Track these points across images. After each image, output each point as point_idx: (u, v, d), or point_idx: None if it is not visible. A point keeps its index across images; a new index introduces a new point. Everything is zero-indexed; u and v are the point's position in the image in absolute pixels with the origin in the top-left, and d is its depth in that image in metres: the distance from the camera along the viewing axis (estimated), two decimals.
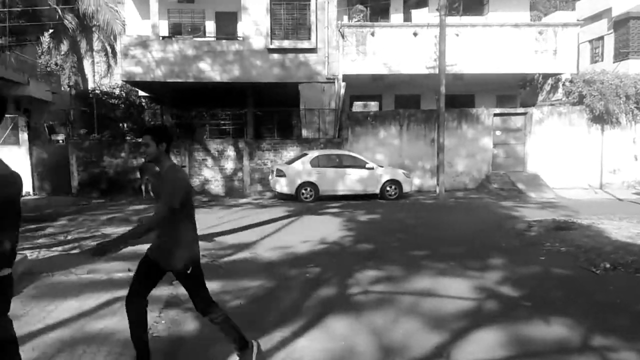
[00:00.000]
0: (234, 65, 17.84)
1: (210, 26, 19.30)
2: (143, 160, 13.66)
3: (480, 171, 18.22)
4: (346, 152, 16.13)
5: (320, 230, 9.80)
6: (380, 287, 6.01)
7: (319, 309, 5.16)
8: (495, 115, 18.28)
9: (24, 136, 16.68)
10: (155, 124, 3.70)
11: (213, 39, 18.60)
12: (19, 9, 18.63)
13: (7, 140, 16.95)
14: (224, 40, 18.18)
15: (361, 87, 19.48)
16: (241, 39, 18.14)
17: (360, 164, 15.32)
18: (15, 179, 2.58)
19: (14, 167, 8.59)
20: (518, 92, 21.90)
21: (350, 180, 15.19)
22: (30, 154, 16.66)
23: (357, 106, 18.58)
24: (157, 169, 3.70)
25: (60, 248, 8.17)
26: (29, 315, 4.82)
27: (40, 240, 8.95)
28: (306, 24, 18.11)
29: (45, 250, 7.91)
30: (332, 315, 4.96)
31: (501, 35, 18.32)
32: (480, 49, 18.15)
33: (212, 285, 5.85)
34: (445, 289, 5.86)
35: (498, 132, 18.28)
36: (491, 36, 18.30)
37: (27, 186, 16.16)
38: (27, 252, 7.17)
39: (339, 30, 17.87)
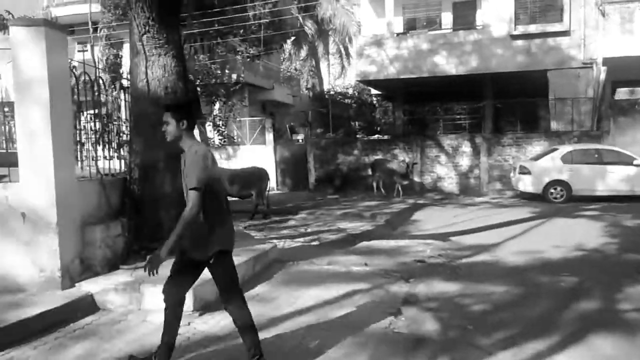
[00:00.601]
0: (471, 56, 17.47)
1: (447, 18, 19.26)
2: (375, 157, 14.18)
3: None
4: (607, 147, 14.41)
5: (575, 234, 8.89)
6: None
7: (578, 323, 4.64)
8: None
9: (269, 137, 19.12)
10: (178, 101, 3.44)
11: (449, 30, 18.53)
12: (267, 20, 21.33)
13: (256, 140, 19.64)
14: (461, 31, 17.98)
15: (627, 71, 17.10)
16: (480, 27, 17.70)
17: (627, 161, 13.51)
18: None
19: (261, 164, 9.89)
20: None
21: (613, 179, 13.49)
22: (275, 153, 18.96)
23: (621, 93, 16.41)
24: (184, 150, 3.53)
25: (302, 240, 9.06)
26: (280, 299, 5.42)
27: (284, 232, 10.09)
28: (557, 4, 16.84)
29: (289, 241, 8.85)
30: (596, 332, 4.41)
31: None
32: None
33: (450, 287, 5.81)
34: None
35: None
36: None
37: (272, 182, 18.42)
38: (275, 242, 8.10)
39: (599, 8, 15.97)
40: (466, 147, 17.03)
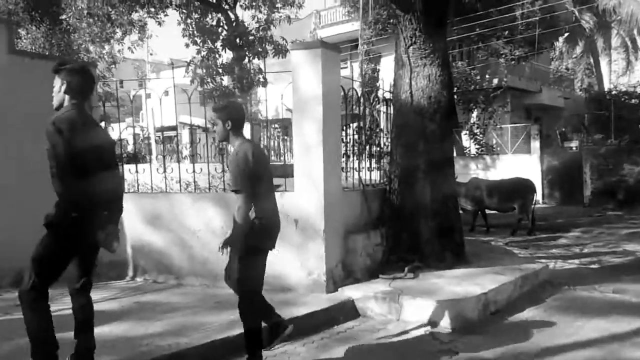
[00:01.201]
0: None
1: None
2: None
3: None
4: None
5: None
6: None
7: None
8: None
9: (535, 144, 17.88)
10: (224, 102, 3.59)
11: None
12: (537, 18, 19.94)
13: (519, 149, 18.58)
14: None
15: None
16: None
17: None
18: None
19: (524, 174, 9.29)
20: None
21: None
22: (541, 162, 17.61)
23: None
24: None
25: (577, 261, 8.16)
26: (554, 327, 4.94)
27: (553, 251, 9.24)
28: None
29: (561, 262, 8.07)
30: None
31: None
32: None
33: None
34: None
35: None
36: None
37: (538, 194, 17.14)
38: (544, 261, 7.46)
39: None
40: None
